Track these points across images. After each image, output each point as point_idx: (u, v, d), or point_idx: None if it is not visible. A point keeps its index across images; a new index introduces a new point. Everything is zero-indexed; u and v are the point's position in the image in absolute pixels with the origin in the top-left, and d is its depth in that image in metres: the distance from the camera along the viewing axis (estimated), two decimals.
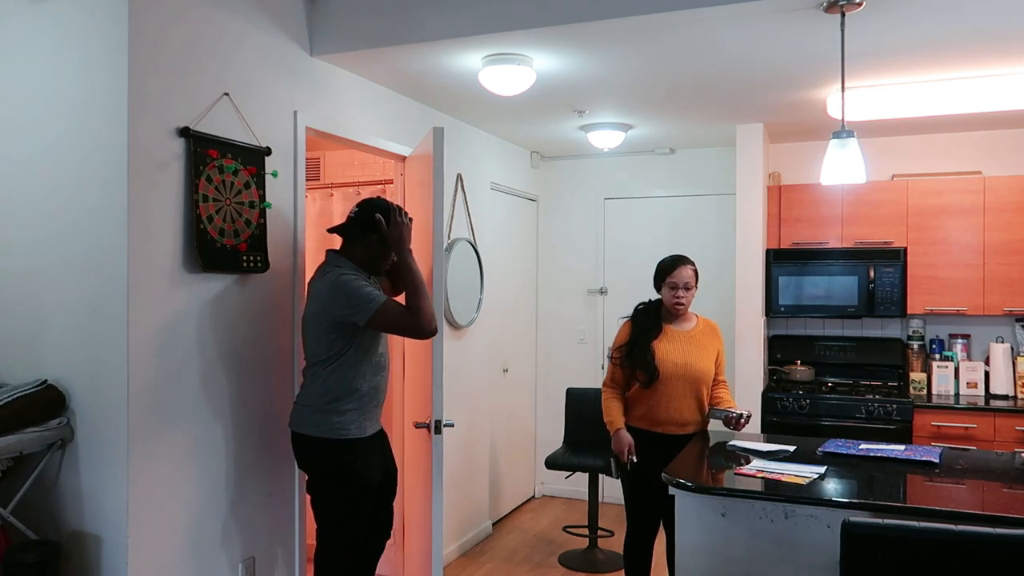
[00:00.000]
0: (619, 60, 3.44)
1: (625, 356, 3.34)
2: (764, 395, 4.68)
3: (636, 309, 3.46)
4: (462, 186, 4.68)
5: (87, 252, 2.55)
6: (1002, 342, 4.58)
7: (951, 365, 4.65)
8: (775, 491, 2.55)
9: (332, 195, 4.43)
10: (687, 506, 2.66)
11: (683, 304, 3.36)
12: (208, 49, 2.80)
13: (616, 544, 4.67)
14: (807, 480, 2.62)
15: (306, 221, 3.54)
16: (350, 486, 2.77)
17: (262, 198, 2.99)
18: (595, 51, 3.31)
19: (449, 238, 4.52)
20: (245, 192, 2.91)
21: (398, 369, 3.93)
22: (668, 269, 3.36)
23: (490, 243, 5.08)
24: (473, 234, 4.83)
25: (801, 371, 4.92)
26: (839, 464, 2.87)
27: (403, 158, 3.97)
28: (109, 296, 2.52)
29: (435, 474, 3.10)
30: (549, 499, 5.95)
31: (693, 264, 3.40)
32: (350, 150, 4.37)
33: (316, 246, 4.29)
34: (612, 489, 5.38)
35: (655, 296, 3.47)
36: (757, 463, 2.86)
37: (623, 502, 3.51)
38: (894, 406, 4.39)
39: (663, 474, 2.74)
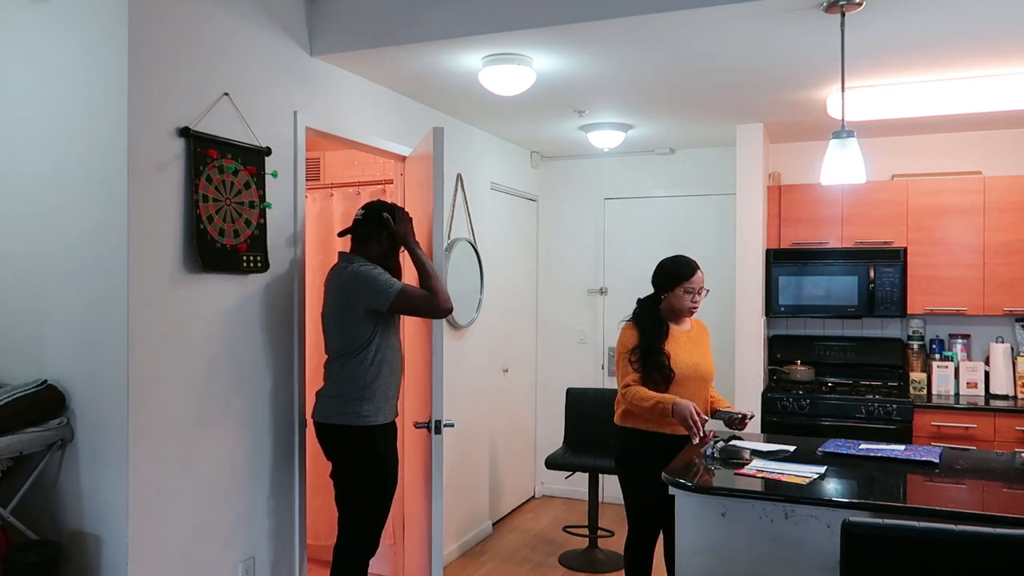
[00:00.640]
0: (619, 60, 3.44)
1: (640, 359, 3.31)
2: (764, 395, 4.68)
3: (638, 310, 3.43)
4: (462, 186, 4.68)
5: (87, 252, 2.55)
6: (1002, 342, 4.58)
7: (951, 365, 4.65)
8: (775, 491, 2.55)
9: (332, 195, 4.42)
10: (687, 506, 2.66)
11: (697, 308, 3.37)
12: (208, 49, 2.80)
13: (616, 544, 4.67)
14: (807, 480, 2.62)
15: (306, 221, 3.53)
16: (383, 469, 2.98)
17: (262, 198, 2.99)
18: (595, 51, 3.31)
19: (449, 238, 4.52)
20: (245, 192, 2.91)
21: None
22: (686, 274, 3.34)
23: (490, 243, 5.08)
24: (473, 234, 4.83)
25: (801, 371, 4.92)
26: (839, 464, 2.87)
27: (403, 158, 3.97)
28: (109, 296, 2.52)
29: (435, 474, 3.10)
30: (549, 499, 5.95)
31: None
32: (350, 150, 4.37)
33: (316, 246, 4.29)
34: (612, 489, 5.38)
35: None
36: (757, 463, 2.86)
37: (623, 502, 3.51)
38: (894, 406, 4.39)
39: (663, 474, 2.74)
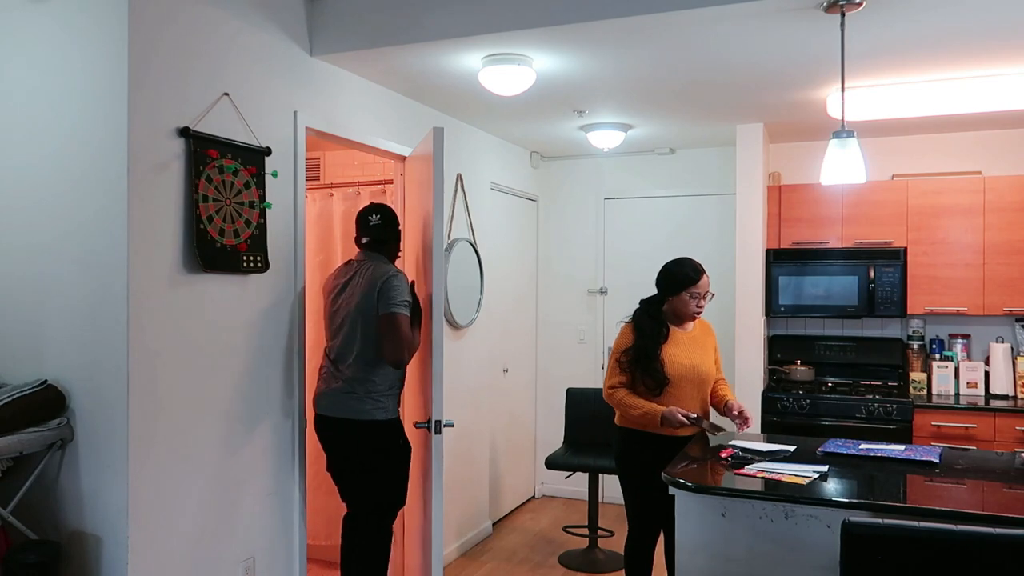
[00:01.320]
0: (619, 60, 3.44)
1: (632, 361, 3.31)
2: (764, 395, 4.68)
3: (639, 312, 3.42)
4: (462, 186, 4.68)
5: (87, 252, 2.55)
6: (1002, 342, 4.59)
7: (951, 365, 4.65)
8: (775, 491, 2.54)
9: (332, 195, 4.42)
10: (687, 506, 2.66)
11: (701, 312, 3.38)
12: (208, 49, 2.80)
13: (616, 544, 4.67)
14: (807, 480, 2.62)
15: (306, 221, 3.54)
16: (408, 455, 3.21)
17: (262, 198, 2.99)
18: (595, 51, 3.31)
19: (449, 238, 4.52)
20: (245, 192, 2.91)
21: None
22: (693, 279, 3.32)
23: (490, 243, 5.08)
24: (473, 234, 4.83)
25: (801, 371, 4.93)
26: (839, 464, 2.87)
27: (403, 158, 3.97)
28: (109, 296, 2.52)
29: (435, 474, 3.10)
30: (549, 499, 5.95)
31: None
32: (350, 150, 4.37)
33: (316, 246, 4.29)
34: (612, 489, 5.38)
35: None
36: (757, 463, 2.86)
37: (623, 502, 3.51)
38: (894, 406, 4.39)
39: (663, 474, 2.74)
